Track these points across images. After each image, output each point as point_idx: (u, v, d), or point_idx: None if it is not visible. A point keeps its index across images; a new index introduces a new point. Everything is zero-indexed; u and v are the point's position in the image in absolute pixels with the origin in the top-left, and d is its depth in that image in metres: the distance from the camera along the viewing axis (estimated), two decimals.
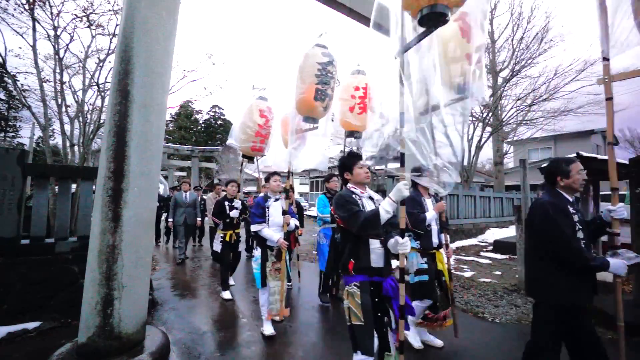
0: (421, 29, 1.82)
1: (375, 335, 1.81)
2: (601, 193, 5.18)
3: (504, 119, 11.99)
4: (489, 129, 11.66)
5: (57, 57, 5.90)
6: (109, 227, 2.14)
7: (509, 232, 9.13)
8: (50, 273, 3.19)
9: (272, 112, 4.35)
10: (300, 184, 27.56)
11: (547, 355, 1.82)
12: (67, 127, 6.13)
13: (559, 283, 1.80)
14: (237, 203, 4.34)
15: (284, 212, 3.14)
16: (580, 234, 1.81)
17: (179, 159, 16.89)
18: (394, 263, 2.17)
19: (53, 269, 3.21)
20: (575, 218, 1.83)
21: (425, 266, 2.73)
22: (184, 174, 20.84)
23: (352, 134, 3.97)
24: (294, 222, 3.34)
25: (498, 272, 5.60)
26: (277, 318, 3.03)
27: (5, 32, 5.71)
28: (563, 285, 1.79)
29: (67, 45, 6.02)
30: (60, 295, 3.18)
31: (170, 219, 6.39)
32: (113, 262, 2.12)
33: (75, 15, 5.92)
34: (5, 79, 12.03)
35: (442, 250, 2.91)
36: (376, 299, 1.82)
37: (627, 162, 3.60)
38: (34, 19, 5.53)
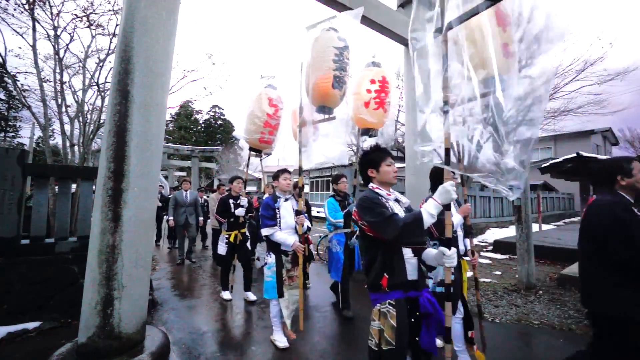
0: (466, 5, 1.58)
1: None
2: None
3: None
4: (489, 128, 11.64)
5: (57, 57, 5.89)
6: (109, 227, 2.14)
7: (509, 232, 9.13)
8: (50, 273, 3.19)
9: (282, 101, 3.98)
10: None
11: None
12: (67, 127, 6.12)
13: (625, 293, 1.61)
14: (243, 201, 4.02)
15: (298, 212, 2.88)
16: None
17: (179, 159, 16.91)
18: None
19: (53, 269, 3.21)
20: None
21: (452, 277, 2.46)
22: (184, 174, 20.86)
23: (366, 131, 3.61)
24: (306, 223, 3.04)
25: (498, 272, 5.60)
26: (292, 334, 2.78)
27: (5, 32, 5.71)
28: (631, 296, 1.60)
29: (67, 45, 6.02)
30: (60, 295, 3.18)
31: (170, 218, 6.18)
32: (113, 262, 2.13)
33: (75, 15, 5.92)
34: (5, 79, 12.04)
35: (467, 258, 2.62)
36: (412, 319, 1.56)
37: None
38: (34, 19, 5.52)
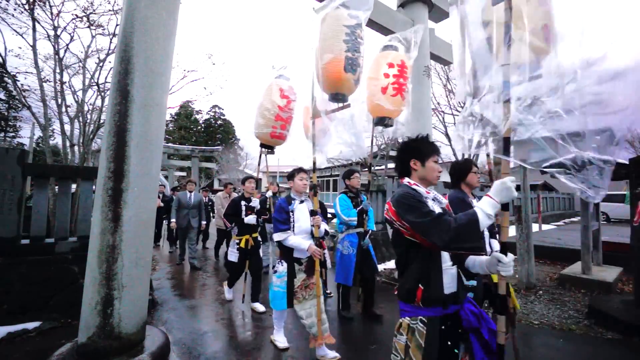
0: None
1: None
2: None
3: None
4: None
5: (57, 57, 5.90)
6: (109, 227, 2.14)
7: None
8: (50, 273, 3.19)
9: (295, 92, 3.64)
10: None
11: None
12: (67, 127, 6.14)
13: None
14: (255, 202, 3.75)
15: (313, 212, 2.61)
16: None
17: (179, 159, 16.94)
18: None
19: (53, 269, 3.21)
20: None
21: (474, 282, 2.10)
22: (184, 174, 20.87)
23: (381, 120, 3.26)
24: (324, 226, 2.72)
25: None
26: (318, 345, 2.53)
27: (5, 32, 5.73)
28: None
29: (67, 45, 6.03)
30: (60, 295, 3.18)
31: (172, 219, 5.74)
32: (113, 262, 2.13)
33: (75, 15, 5.93)
34: (5, 79, 12.02)
35: None
36: (449, 342, 1.33)
37: (627, 162, 3.60)
38: (34, 19, 5.53)
